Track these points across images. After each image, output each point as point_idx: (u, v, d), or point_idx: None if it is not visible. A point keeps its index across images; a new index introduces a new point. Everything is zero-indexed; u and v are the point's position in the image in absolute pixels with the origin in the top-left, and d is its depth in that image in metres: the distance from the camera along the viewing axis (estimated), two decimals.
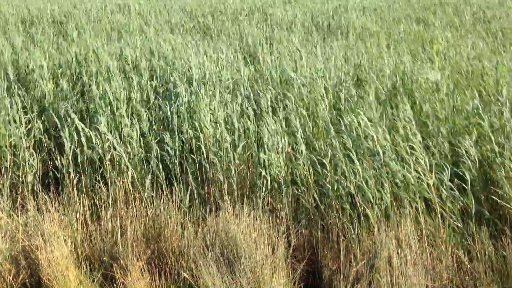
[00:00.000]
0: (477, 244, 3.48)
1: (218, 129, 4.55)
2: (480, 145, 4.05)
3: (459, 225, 3.69)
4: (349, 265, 3.53)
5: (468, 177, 3.71)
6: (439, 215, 3.69)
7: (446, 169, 3.79)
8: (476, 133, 4.11)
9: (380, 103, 4.92)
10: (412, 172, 3.85)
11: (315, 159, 4.24)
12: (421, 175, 3.86)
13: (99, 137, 4.55)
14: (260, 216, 3.98)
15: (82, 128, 4.53)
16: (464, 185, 3.70)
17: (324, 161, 4.15)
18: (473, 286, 3.33)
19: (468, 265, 3.44)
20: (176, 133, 4.71)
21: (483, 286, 3.26)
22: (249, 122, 4.69)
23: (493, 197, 3.70)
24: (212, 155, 4.44)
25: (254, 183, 4.33)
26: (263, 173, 4.22)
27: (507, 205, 3.55)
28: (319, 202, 4.14)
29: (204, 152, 4.46)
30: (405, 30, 8.13)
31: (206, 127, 4.50)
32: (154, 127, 4.88)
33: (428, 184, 3.83)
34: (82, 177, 4.44)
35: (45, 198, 4.10)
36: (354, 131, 4.28)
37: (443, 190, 3.77)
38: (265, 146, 4.40)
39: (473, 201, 3.64)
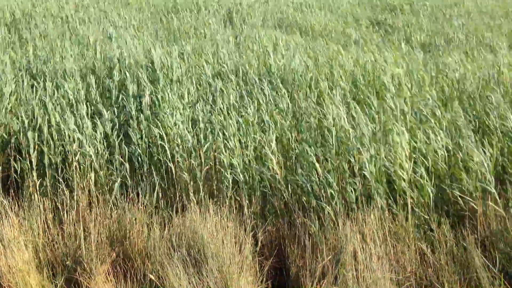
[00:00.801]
0: (439, 236, 3.57)
1: (183, 128, 4.51)
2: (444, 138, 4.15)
3: (425, 216, 3.77)
4: (315, 261, 3.56)
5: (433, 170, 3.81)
6: (408, 209, 3.76)
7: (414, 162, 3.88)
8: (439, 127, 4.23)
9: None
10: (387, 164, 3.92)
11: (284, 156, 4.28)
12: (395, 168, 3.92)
13: (64, 137, 4.45)
14: (227, 215, 3.96)
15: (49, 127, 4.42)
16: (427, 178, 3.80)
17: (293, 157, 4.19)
18: (435, 278, 3.41)
19: (431, 257, 3.52)
20: (142, 133, 4.65)
21: (445, 277, 3.34)
22: (215, 121, 4.67)
23: (453, 191, 3.80)
24: (177, 155, 4.40)
25: (221, 182, 4.31)
26: (229, 171, 4.21)
27: (467, 197, 3.66)
28: (286, 199, 4.18)
29: (169, 152, 4.42)
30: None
31: (170, 127, 4.45)
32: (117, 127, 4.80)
33: (402, 178, 3.90)
34: (44, 180, 4.32)
35: (4, 203, 3.97)
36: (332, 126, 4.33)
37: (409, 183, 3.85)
38: (232, 145, 4.39)
39: (430, 194, 3.73)
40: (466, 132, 4.03)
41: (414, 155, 3.94)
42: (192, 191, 4.21)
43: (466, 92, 5.03)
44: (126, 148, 4.49)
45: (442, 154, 3.98)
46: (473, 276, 3.26)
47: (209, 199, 4.13)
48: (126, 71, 5.52)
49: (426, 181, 3.76)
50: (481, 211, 3.56)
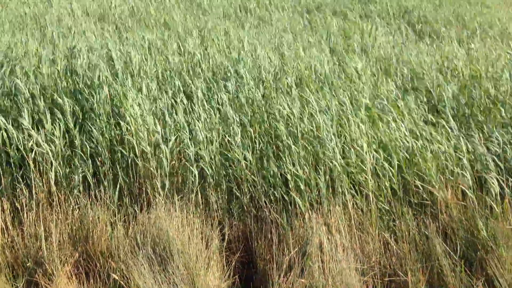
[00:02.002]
0: (402, 225, 3.64)
1: (148, 122, 4.43)
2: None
3: (386, 207, 3.84)
4: (282, 254, 3.57)
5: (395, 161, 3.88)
6: (370, 199, 3.82)
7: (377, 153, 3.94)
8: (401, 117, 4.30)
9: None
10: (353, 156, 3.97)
11: (248, 149, 4.26)
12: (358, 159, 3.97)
13: (21, 135, 4.28)
14: (193, 211, 3.93)
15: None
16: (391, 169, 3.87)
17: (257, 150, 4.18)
18: (399, 266, 3.48)
19: (394, 246, 3.59)
20: (104, 127, 4.54)
21: (408, 265, 3.41)
22: (180, 115, 4.60)
23: (415, 180, 3.87)
24: (142, 150, 4.31)
25: (187, 177, 4.26)
26: (195, 166, 4.17)
27: (428, 186, 3.74)
28: (253, 192, 4.17)
29: (135, 146, 4.33)
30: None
31: (135, 122, 4.35)
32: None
33: (363, 170, 3.95)
34: (1, 179, 4.17)
35: None
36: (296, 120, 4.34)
37: (371, 174, 3.90)
38: (197, 139, 4.35)
39: (392, 184, 3.80)
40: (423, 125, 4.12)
41: (375, 146, 3.99)
42: (158, 187, 4.14)
43: (423, 83, 5.14)
44: (88, 144, 4.37)
45: (403, 144, 4.05)
46: (435, 264, 3.35)
47: (175, 194, 4.08)
48: (87, 64, 5.37)
49: (388, 171, 3.82)
50: (442, 199, 3.65)
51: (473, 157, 3.97)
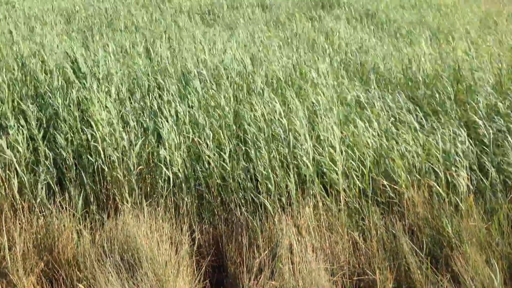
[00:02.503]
0: (370, 224, 3.69)
1: (115, 127, 4.36)
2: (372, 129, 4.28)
3: (356, 206, 3.88)
4: (252, 257, 3.57)
5: (368, 161, 3.93)
6: (341, 199, 3.85)
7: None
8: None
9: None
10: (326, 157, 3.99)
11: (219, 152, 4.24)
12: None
13: None
14: (163, 216, 3.88)
15: None
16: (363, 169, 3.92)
17: (226, 152, 4.16)
18: (367, 265, 3.52)
19: (363, 245, 3.63)
20: (69, 133, 4.44)
21: (376, 264, 3.45)
22: (148, 120, 4.55)
23: (382, 179, 3.93)
24: (109, 155, 4.24)
25: (156, 182, 4.21)
26: (164, 170, 4.12)
27: (392, 185, 3.80)
28: (222, 195, 4.15)
29: (101, 152, 4.26)
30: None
31: (102, 126, 4.28)
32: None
33: (334, 170, 3.98)
34: None
35: None
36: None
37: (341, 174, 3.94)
38: (166, 143, 4.30)
39: (360, 184, 3.84)
40: (389, 124, 4.18)
41: (345, 147, 4.03)
42: (125, 193, 4.08)
43: (392, 83, 5.23)
44: (52, 150, 4.27)
45: (371, 143, 4.11)
46: (402, 262, 3.40)
47: (144, 200, 4.03)
48: (53, 68, 5.26)
49: (358, 171, 3.87)
50: (408, 198, 3.71)
51: (441, 155, 4.05)
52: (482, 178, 3.84)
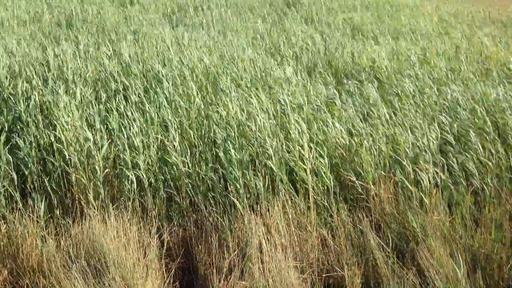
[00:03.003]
0: (338, 221, 3.73)
1: (80, 130, 4.26)
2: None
3: (324, 203, 3.92)
4: (222, 257, 3.56)
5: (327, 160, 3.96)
6: (310, 198, 3.88)
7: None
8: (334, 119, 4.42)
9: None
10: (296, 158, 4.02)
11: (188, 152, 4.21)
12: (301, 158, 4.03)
13: None
14: (130, 219, 3.83)
15: None
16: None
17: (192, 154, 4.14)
18: (336, 262, 3.56)
19: (332, 242, 3.67)
20: (32, 137, 4.32)
21: (345, 260, 3.49)
22: (114, 120, 4.48)
23: (349, 176, 3.98)
24: (74, 158, 4.15)
25: (122, 185, 4.15)
26: (131, 173, 4.06)
27: (359, 181, 3.86)
28: (192, 196, 4.13)
29: (67, 155, 4.16)
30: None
31: (66, 129, 4.18)
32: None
33: (303, 169, 4.00)
34: None
35: None
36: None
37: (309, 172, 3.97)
38: (133, 145, 4.24)
39: (328, 182, 3.89)
40: (357, 121, 4.24)
41: (313, 145, 4.07)
42: (91, 196, 4.00)
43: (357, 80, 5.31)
44: (15, 155, 4.15)
45: (339, 142, 4.16)
46: (369, 257, 3.45)
47: (110, 203, 3.96)
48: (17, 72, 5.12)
49: (325, 168, 3.91)
50: (376, 194, 3.77)
51: (409, 149, 4.13)
52: (446, 173, 3.94)
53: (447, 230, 3.49)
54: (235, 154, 4.06)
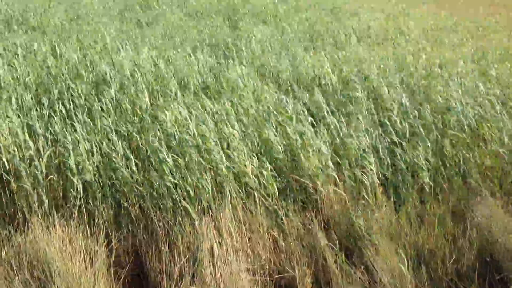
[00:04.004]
0: (288, 222, 3.77)
1: (20, 136, 4.08)
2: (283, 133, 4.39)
3: (274, 207, 3.95)
4: (173, 263, 3.51)
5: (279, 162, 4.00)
6: (257, 201, 3.90)
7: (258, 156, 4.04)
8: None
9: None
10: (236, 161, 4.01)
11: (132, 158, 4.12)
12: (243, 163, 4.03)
13: None
14: (76, 226, 3.71)
15: None
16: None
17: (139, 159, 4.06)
18: (288, 262, 3.59)
19: (283, 243, 3.71)
20: None
21: (295, 260, 3.53)
22: (57, 127, 4.32)
23: (297, 178, 4.03)
24: (15, 165, 3.97)
25: (68, 191, 4.01)
26: (76, 178, 3.94)
27: (309, 182, 3.92)
28: (141, 202, 4.04)
29: (6, 163, 3.97)
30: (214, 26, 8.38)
31: (3, 137, 3.99)
32: None
33: (245, 173, 4.02)
34: None
35: None
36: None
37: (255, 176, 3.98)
38: (77, 150, 4.11)
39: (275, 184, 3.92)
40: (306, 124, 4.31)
41: (259, 148, 4.10)
42: (34, 204, 3.84)
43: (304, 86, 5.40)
44: None
45: (288, 143, 4.21)
46: (319, 257, 3.50)
47: (55, 211, 3.82)
48: None
49: (272, 171, 3.94)
50: (324, 196, 3.84)
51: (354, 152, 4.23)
52: (391, 171, 4.07)
53: (393, 227, 3.60)
54: (183, 159, 4.03)
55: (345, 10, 10.66)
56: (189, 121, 4.25)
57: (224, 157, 4.03)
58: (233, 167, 4.02)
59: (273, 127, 4.41)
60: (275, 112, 4.67)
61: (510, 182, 4.14)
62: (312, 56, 6.51)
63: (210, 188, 3.87)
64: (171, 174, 4.04)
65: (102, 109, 4.60)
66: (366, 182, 3.88)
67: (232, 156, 4.06)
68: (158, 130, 4.36)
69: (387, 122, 4.58)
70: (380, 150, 4.30)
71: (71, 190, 3.94)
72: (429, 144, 4.30)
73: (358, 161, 4.08)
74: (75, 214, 3.83)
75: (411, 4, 12.41)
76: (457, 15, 10.57)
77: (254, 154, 4.04)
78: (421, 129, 4.47)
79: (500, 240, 3.48)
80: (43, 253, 3.29)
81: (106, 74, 5.18)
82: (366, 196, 3.81)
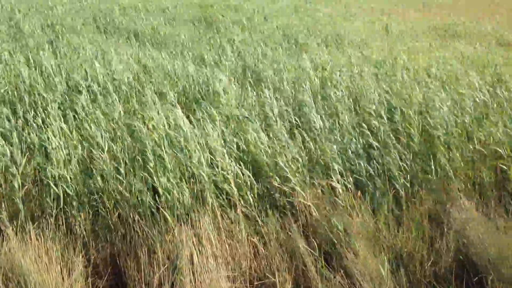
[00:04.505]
0: (268, 229, 3.76)
1: None
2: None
3: (253, 213, 3.94)
4: (152, 272, 3.47)
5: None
6: (239, 209, 3.89)
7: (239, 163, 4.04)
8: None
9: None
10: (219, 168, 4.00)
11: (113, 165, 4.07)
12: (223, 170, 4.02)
13: None
14: (53, 237, 3.64)
15: None
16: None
17: (120, 167, 4.02)
18: (268, 269, 3.58)
19: (263, 250, 3.70)
20: None
21: (276, 266, 3.53)
22: (32, 134, 4.25)
23: (275, 184, 4.04)
24: None
25: (44, 201, 3.94)
26: (54, 187, 3.87)
27: (288, 189, 3.93)
28: (119, 210, 4.00)
29: None
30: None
31: None
32: None
33: (226, 178, 4.01)
34: None
35: None
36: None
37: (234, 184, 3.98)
38: (53, 159, 4.05)
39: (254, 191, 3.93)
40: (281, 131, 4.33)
41: (236, 154, 4.09)
42: (9, 215, 3.76)
43: (285, 92, 5.42)
44: None
45: (262, 150, 4.21)
46: (299, 262, 3.51)
47: (31, 221, 3.74)
48: None
49: (249, 179, 3.94)
50: (302, 202, 3.85)
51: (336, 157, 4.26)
52: (368, 175, 4.11)
53: (371, 231, 3.63)
54: (162, 165, 4.00)
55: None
56: (166, 127, 4.22)
57: (204, 164, 4.01)
58: (214, 174, 4.01)
59: (255, 131, 4.42)
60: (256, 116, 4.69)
61: (485, 185, 4.22)
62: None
63: (189, 195, 3.84)
64: (150, 180, 4.01)
65: (75, 118, 4.54)
66: (343, 187, 3.91)
67: (213, 162, 4.05)
68: (136, 137, 4.32)
69: (364, 125, 4.63)
70: (359, 155, 4.34)
71: (48, 199, 3.87)
72: (402, 147, 4.35)
73: (333, 166, 4.11)
74: (51, 224, 3.76)
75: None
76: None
77: (234, 159, 4.03)
78: (401, 131, 4.54)
79: (476, 242, 3.54)
80: (18, 264, 3.23)
81: (81, 82, 5.12)
82: (343, 201, 3.83)
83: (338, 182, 3.93)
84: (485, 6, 12.79)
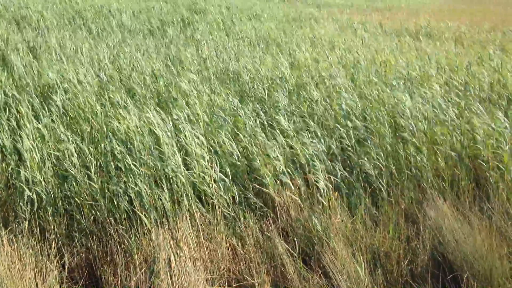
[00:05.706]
0: (246, 230, 3.75)
1: None
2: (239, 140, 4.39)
3: (232, 214, 3.93)
4: (129, 276, 3.42)
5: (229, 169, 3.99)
6: (217, 209, 3.86)
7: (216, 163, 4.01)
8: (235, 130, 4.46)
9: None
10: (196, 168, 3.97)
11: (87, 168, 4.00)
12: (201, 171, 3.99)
13: None
14: (26, 242, 3.55)
15: None
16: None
17: (93, 170, 3.95)
18: (247, 270, 3.57)
19: (242, 251, 3.69)
20: None
21: (254, 268, 3.52)
22: (4, 137, 4.14)
23: (255, 184, 4.04)
24: None
25: (17, 205, 3.84)
26: (28, 191, 3.78)
27: (266, 190, 3.93)
28: (94, 214, 3.93)
29: None
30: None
31: None
32: None
33: (204, 179, 3.98)
34: None
35: None
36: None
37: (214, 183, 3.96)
38: (27, 161, 3.95)
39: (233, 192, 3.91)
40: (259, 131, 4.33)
41: (214, 157, 4.07)
42: None
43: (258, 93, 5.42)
44: None
45: (240, 152, 4.20)
46: (278, 263, 3.51)
47: (3, 226, 3.64)
48: None
49: (228, 179, 3.93)
50: (280, 201, 3.85)
51: (306, 156, 4.28)
52: (345, 175, 4.14)
53: (349, 231, 3.65)
54: (136, 168, 3.95)
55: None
56: (141, 129, 4.17)
57: (182, 165, 3.98)
58: (192, 175, 3.98)
59: (228, 132, 4.41)
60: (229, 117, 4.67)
61: (459, 184, 4.30)
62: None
63: (166, 198, 3.80)
64: (125, 183, 3.95)
65: (52, 120, 4.44)
66: (320, 187, 3.92)
67: (190, 163, 4.01)
68: (110, 139, 4.25)
69: (339, 126, 4.67)
70: (335, 155, 4.37)
71: (21, 203, 3.78)
72: (380, 147, 4.40)
73: (311, 166, 4.13)
74: (24, 228, 3.67)
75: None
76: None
77: (210, 160, 4.00)
78: (374, 132, 4.58)
79: (450, 241, 3.60)
80: None
81: (53, 82, 5.02)
82: (321, 201, 3.85)
83: (314, 182, 3.95)
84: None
